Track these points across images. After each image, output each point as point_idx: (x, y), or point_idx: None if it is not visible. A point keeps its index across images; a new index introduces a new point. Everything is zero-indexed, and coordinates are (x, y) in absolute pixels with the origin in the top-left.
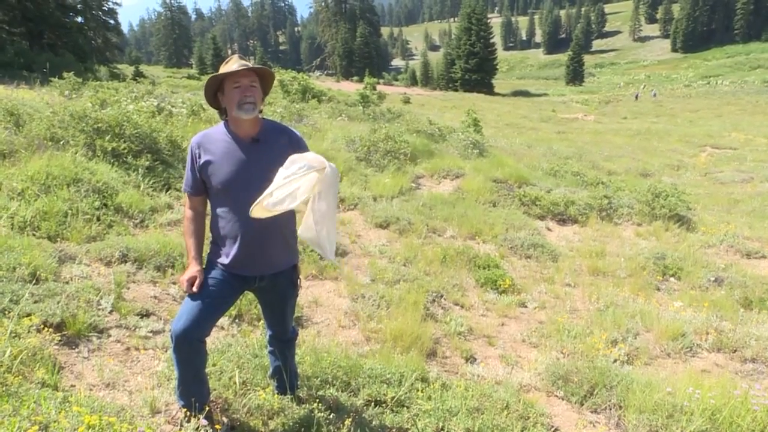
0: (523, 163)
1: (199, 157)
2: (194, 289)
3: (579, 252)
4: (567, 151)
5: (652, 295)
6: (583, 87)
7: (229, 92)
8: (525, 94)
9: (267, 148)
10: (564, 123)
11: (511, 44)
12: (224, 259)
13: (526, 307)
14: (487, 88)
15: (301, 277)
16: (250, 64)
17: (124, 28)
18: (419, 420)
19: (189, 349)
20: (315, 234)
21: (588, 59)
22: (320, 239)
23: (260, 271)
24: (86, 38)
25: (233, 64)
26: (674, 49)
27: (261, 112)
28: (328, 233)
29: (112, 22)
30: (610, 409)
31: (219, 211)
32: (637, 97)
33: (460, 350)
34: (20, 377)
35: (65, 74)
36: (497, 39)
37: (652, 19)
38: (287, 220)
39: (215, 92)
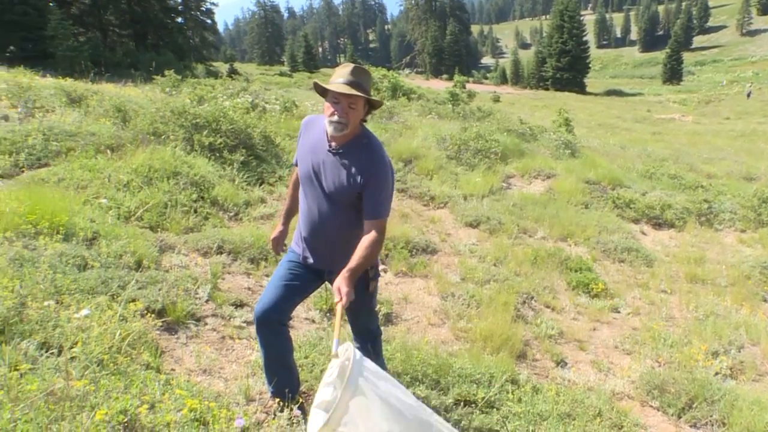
0: (616, 164)
1: (300, 137)
2: (274, 249)
3: (676, 258)
4: (663, 152)
5: (759, 306)
6: (681, 86)
7: (327, 101)
8: (618, 93)
9: (342, 163)
10: (660, 124)
11: (604, 42)
12: (296, 247)
13: (618, 312)
14: (579, 87)
15: (373, 283)
16: (360, 80)
17: (220, 28)
18: (509, 422)
19: (269, 330)
20: None
21: (687, 57)
22: None
23: (325, 266)
24: (185, 38)
25: (341, 77)
26: None
27: (365, 120)
28: None
29: (209, 21)
30: (712, 425)
31: (300, 195)
32: (749, 96)
33: (551, 353)
34: (128, 358)
35: (166, 72)
36: (590, 36)
37: (765, 10)
38: (352, 230)
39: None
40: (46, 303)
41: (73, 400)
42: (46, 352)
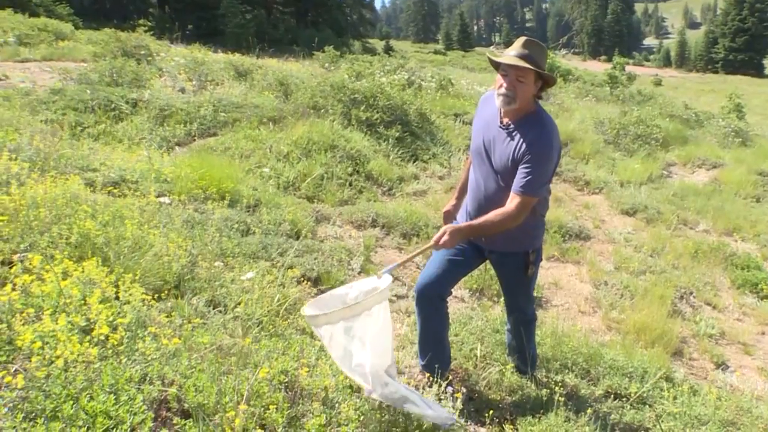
0: None
1: (476, 113)
2: (444, 222)
3: None
4: None
5: None
6: None
7: (498, 73)
8: None
9: (510, 140)
10: None
11: None
12: (462, 221)
13: None
14: (756, 70)
15: (533, 267)
16: (532, 54)
17: (377, 5)
18: (663, 421)
19: (428, 304)
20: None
21: None
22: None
23: (486, 243)
24: (344, 15)
25: (513, 50)
26: None
27: (540, 97)
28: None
29: None
30: None
31: (470, 169)
32: None
33: (710, 354)
34: (286, 322)
35: (325, 48)
36: None
37: None
38: None
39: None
40: (216, 263)
41: (238, 356)
42: (214, 309)
